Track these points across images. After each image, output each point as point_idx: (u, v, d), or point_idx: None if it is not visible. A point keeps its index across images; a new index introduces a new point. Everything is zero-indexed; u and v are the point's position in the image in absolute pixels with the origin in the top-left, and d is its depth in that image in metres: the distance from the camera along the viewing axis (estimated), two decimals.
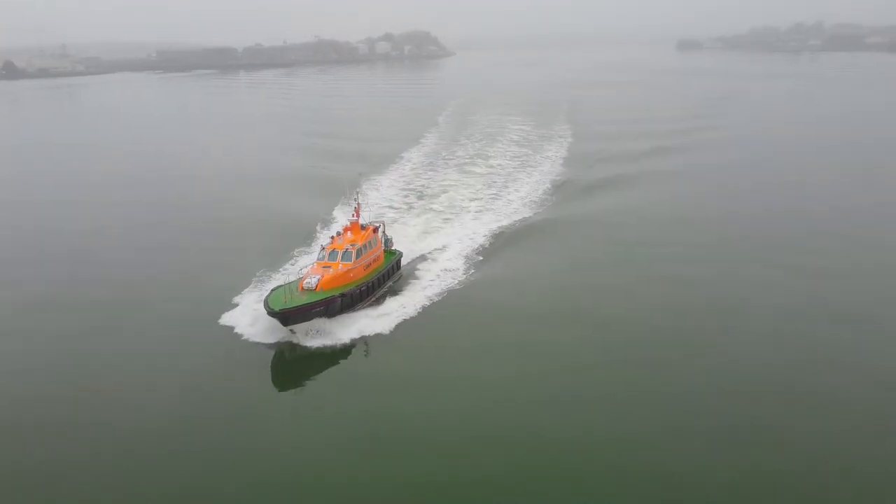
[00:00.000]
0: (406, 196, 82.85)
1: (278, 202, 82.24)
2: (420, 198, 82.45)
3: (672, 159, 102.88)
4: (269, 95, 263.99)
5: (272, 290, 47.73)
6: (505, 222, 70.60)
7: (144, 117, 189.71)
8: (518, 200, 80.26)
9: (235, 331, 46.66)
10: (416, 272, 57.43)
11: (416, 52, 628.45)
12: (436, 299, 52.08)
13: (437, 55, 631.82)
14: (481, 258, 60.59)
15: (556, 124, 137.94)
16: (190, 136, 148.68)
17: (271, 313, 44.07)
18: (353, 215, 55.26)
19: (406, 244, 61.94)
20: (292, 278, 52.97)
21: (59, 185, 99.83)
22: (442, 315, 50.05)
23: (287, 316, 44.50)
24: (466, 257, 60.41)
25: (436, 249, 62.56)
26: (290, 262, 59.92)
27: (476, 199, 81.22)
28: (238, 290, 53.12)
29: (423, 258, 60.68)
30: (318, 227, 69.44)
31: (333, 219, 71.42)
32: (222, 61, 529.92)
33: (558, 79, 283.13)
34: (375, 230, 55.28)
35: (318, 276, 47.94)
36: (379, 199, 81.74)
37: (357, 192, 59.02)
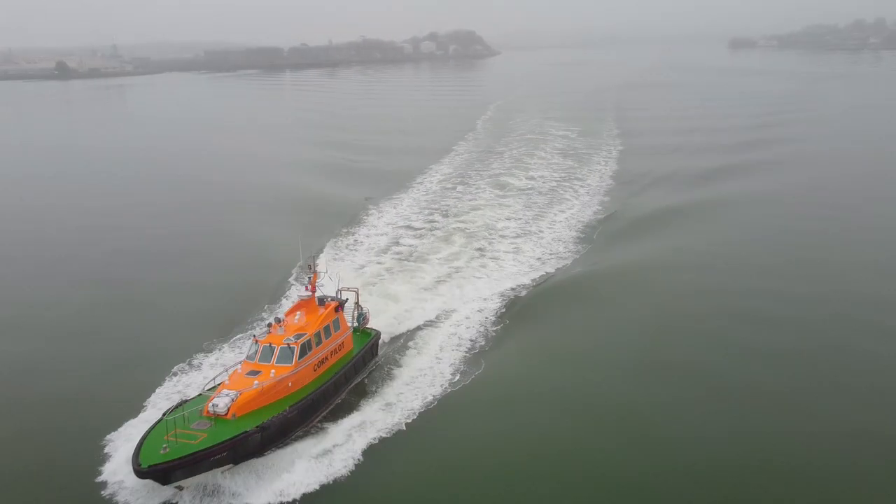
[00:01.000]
0: (430, 215, 73.55)
1: (261, 237, 67.27)
2: (445, 216, 72.98)
3: (741, 181, 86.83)
4: (303, 97, 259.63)
5: (163, 416, 31.23)
6: (536, 273, 55.55)
7: (161, 121, 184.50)
8: (563, 222, 70.46)
9: (110, 484, 30.68)
10: (406, 353, 42.44)
11: (461, 51, 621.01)
12: (422, 407, 36.16)
13: (482, 55, 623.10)
14: (500, 329, 45.66)
15: (603, 130, 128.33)
16: (201, 143, 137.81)
17: (139, 472, 28.42)
18: (306, 289, 40.04)
19: (405, 304, 49.11)
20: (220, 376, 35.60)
21: (35, 192, 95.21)
22: (429, 436, 34.18)
23: (166, 473, 28.78)
24: (479, 328, 45.42)
25: (438, 317, 47.19)
26: (237, 339, 44.34)
27: (513, 217, 71.87)
28: (137, 405, 36.70)
29: (421, 328, 45.60)
30: (290, 281, 54.20)
31: (304, 275, 47.64)
32: (268, 61, 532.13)
33: (605, 79, 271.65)
34: (340, 307, 40.22)
35: (231, 396, 32.10)
36: (396, 218, 72.24)
37: (313, 260, 42.53)
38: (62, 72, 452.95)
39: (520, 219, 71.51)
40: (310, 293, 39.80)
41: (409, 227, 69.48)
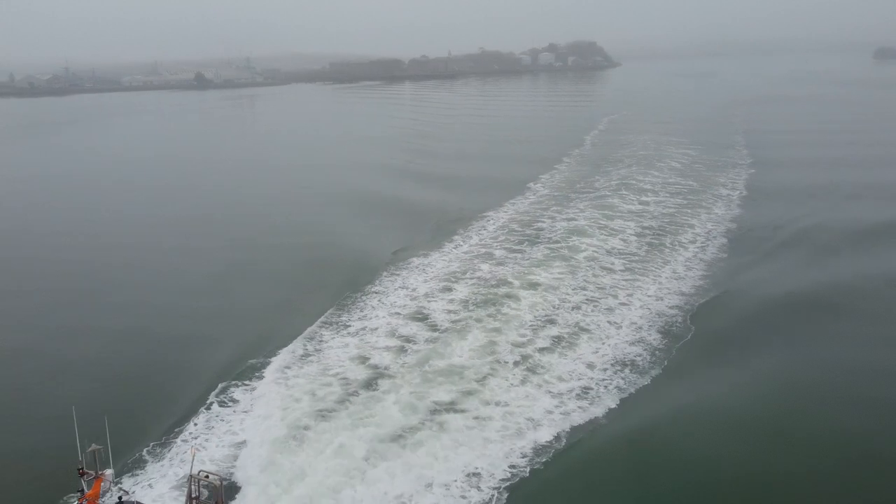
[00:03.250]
0: (520, 243, 65.84)
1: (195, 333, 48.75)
2: (533, 243, 65.40)
3: None
4: (410, 109, 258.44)
5: None
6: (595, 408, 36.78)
7: (258, 133, 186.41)
8: (688, 261, 60.58)
9: None
10: None
11: (580, 62, 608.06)
12: None
13: (601, 66, 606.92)
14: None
15: (729, 149, 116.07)
16: (267, 162, 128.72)
17: None
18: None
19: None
20: None
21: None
22: None
23: None
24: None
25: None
26: None
27: (623, 252, 62.05)
28: None
29: None
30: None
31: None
32: (389, 72, 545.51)
33: (732, 91, 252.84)
34: None
35: None
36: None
37: (95, 452, 22.78)
38: (200, 82, 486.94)
39: (630, 253, 63.83)
40: None
41: (486, 255, 62.41)
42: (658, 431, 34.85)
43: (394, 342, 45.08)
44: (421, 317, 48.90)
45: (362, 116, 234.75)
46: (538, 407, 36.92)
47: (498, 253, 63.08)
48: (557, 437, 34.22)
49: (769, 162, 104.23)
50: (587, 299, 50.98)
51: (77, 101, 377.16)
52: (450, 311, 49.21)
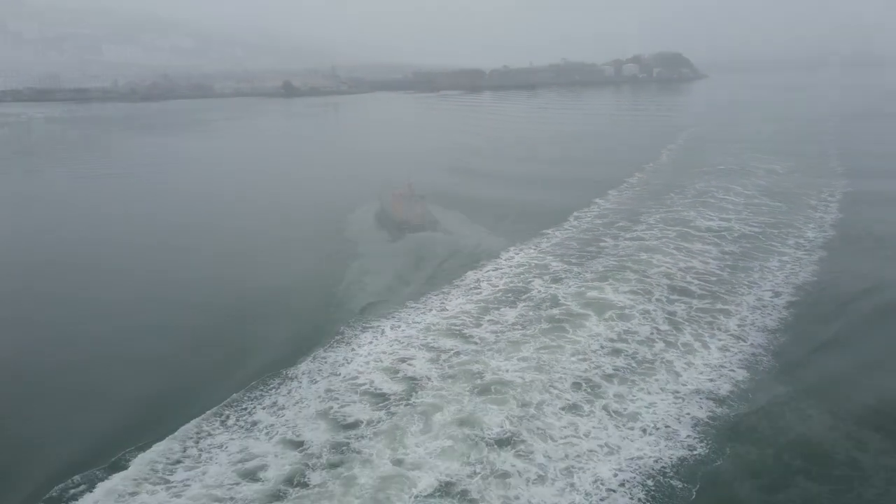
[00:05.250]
0: (579, 257, 63.25)
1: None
2: (594, 258, 62.54)
3: None
4: (477, 120, 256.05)
5: None
6: None
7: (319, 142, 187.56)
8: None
9: None
10: None
11: (665, 74, 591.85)
12: None
13: (687, 78, 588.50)
14: None
15: (822, 169, 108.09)
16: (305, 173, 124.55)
17: None
18: None
19: None
20: None
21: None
22: None
23: None
24: None
25: None
26: None
27: (701, 273, 57.84)
28: None
29: None
30: None
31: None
32: (470, 82, 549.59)
33: (828, 106, 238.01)
34: None
35: None
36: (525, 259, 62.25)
37: None
38: (287, 90, 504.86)
39: (708, 274, 60.06)
40: None
41: (542, 273, 59.54)
42: None
43: (431, 354, 43.28)
44: (458, 332, 46.76)
45: (419, 126, 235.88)
46: (605, 468, 31.93)
47: (555, 265, 60.55)
48: None
49: (868, 189, 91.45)
50: (657, 330, 46.79)
51: (173, 105, 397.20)
52: (495, 330, 46.96)
